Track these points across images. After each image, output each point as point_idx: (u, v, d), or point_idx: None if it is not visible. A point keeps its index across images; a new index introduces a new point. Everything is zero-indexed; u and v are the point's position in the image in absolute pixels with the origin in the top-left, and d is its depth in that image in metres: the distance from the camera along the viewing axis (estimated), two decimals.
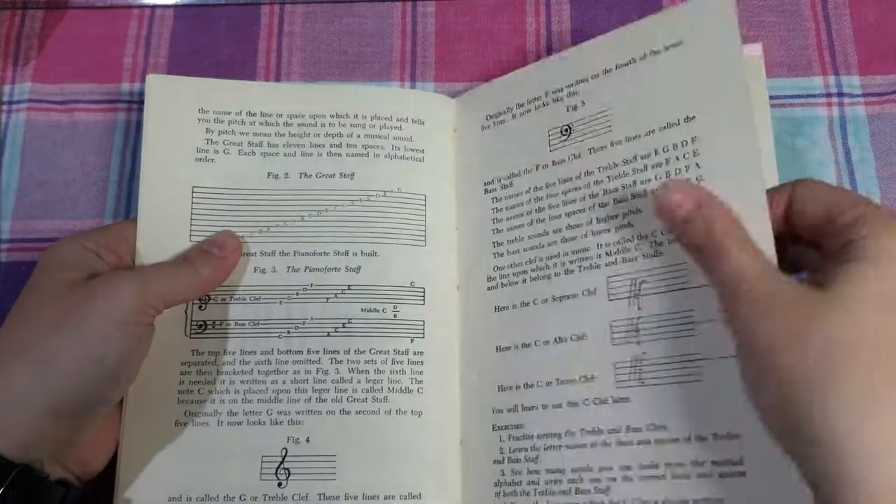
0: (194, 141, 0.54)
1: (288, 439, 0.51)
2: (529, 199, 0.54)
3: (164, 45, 0.62)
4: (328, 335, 0.52)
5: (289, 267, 0.53)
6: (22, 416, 0.43)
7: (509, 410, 0.51)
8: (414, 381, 0.52)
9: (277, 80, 0.61)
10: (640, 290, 0.49)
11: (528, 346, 0.51)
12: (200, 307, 0.52)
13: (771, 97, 0.58)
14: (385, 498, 0.50)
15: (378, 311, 0.53)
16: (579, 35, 0.61)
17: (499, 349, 0.52)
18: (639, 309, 0.48)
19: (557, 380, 0.50)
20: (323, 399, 0.51)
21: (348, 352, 0.52)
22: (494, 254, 0.54)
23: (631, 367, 0.48)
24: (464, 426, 0.52)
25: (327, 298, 0.53)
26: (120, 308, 0.45)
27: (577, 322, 0.50)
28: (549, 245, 0.52)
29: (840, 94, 0.59)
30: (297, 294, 0.53)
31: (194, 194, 0.53)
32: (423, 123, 0.56)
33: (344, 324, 0.52)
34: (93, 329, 0.44)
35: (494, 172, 0.55)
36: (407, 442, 0.51)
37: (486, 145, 0.56)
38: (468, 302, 0.54)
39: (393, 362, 0.52)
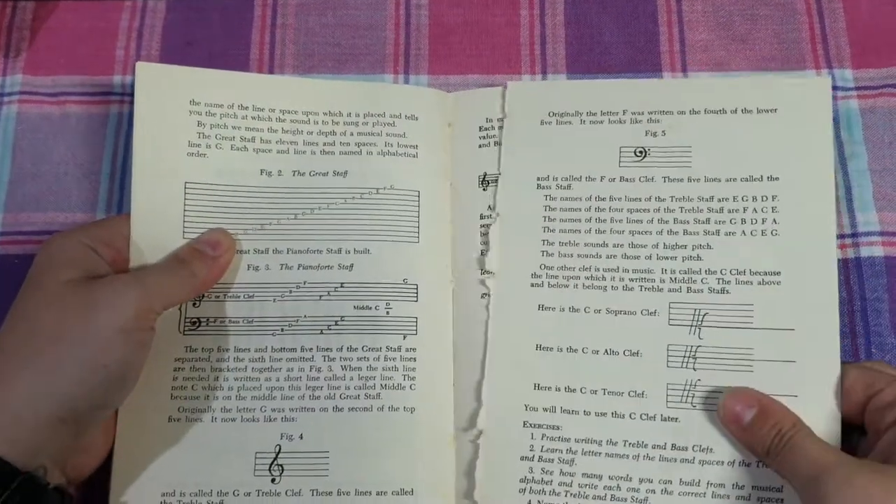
0: (186, 134, 0.54)
1: (281, 436, 0.51)
2: (590, 207, 0.54)
3: (157, 37, 0.62)
4: (321, 332, 0.52)
5: (282, 264, 0.53)
6: (28, 424, 0.43)
7: (546, 410, 0.51)
8: (406, 377, 0.52)
9: (270, 72, 0.61)
10: (702, 321, 0.51)
11: (575, 351, 0.52)
12: (194, 304, 0.52)
13: None
14: (377, 494, 0.51)
15: (371, 308, 0.53)
16: (573, 28, 0.61)
17: (539, 347, 0.52)
18: (700, 339, 0.50)
19: (604, 390, 0.51)
20: (316, 396, 0.51)
21: (341, 349, 0.52)
22: (543, 252, 0.54)
23: (684, 390, 0.50)
24: (484, 417, 0.52)
25: (320, 296, 0.53)
26: (124, 316, 0.45)
27: (632, 339, 0.51)
28: (608, 257, 0.53)
29: (833, 88, 0.59)
30: (291, 292, 0.53)
31: (187, 190, 0.53)
32: (417, 119, 0.56)
33: (337, 321, 0.52)
34: (97, 337, 0.44)
35: (551, 170, 0.55)
36: (399, 438, 0.51)
37: (544, 141, 0.56)
38: (505, 291, 0.53)
39: (385, 359, 0.52)
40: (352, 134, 0.56)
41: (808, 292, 0.50)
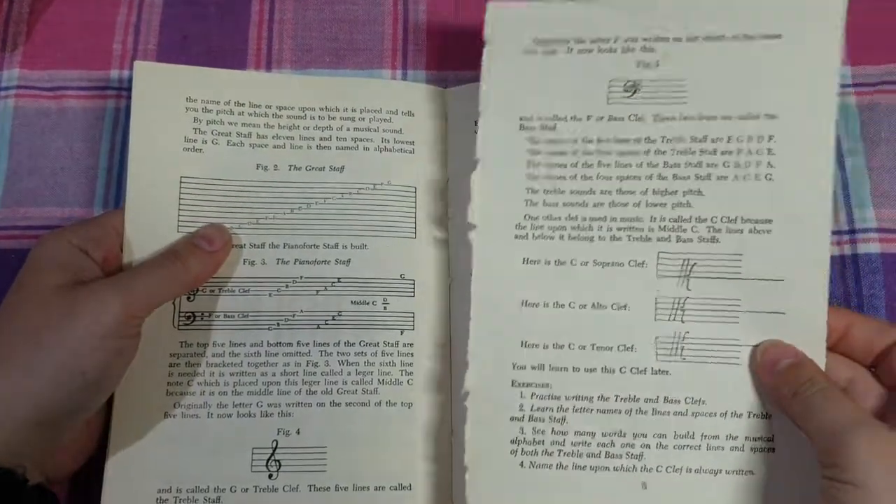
0: (182, 130, 0.54)
1: (278, 431, 0.51)
2: (576, 151, 0.50)
3: (154, 31, 0.61)
4: (318, 327, 0.52)
5: (278, 259, 0.53)
6: (3, 423, 0.43)
7: (534, 368, 0.49)
8: (404, 373, 0.52)
9: (268, 67, 0.61)
10: (691, 271, 0.49)
11: (562, 306, 0.49)
12: (189, 298, 0.52)
13: None
14: (375, 489, 0.51)
15: (368, 303, 0.53)
16: None
17: (525, 304, 0.50)
18: (688, 290, 0.49)
19: (593, 345, 0.49)
20: (313, 391, 0.51)
21: (338, 344, 0.52)
22: (527, 201, 0.50)
23: (673, 342, 0.49)
24: (471, 377, 0.49)
25: (317, 291, 0.53)
26: (102, 323, 0.45)
27: (620, 292, 0.49)
28: (594, 205, 0.50)
29: None
30: (287, 286, 0.53)
31: (182, 184, 0.53)
32: (414, 115, 0.56)
33: (334, 316, 0.52)
34: (74, 342, 0.44)
35: (534, 109, 0.50)
36: (397, 433, 0.51)
37: (528, 74, 0.51)
38: (486, 246, 0.50)
39: (383, 354, 0.52)
40: (348, 129, 0.56)
41: (799, 242, 0.48)
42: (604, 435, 0.49)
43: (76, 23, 0.62)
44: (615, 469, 0.48)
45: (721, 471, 0.48)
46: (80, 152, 0.59)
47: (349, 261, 0.53)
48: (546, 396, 0.49)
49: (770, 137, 0.48)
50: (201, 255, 0.50)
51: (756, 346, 0.48)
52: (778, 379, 0.46)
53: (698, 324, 0.49)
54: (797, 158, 0.48)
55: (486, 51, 0.51)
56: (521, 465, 0.49)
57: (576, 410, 0.49)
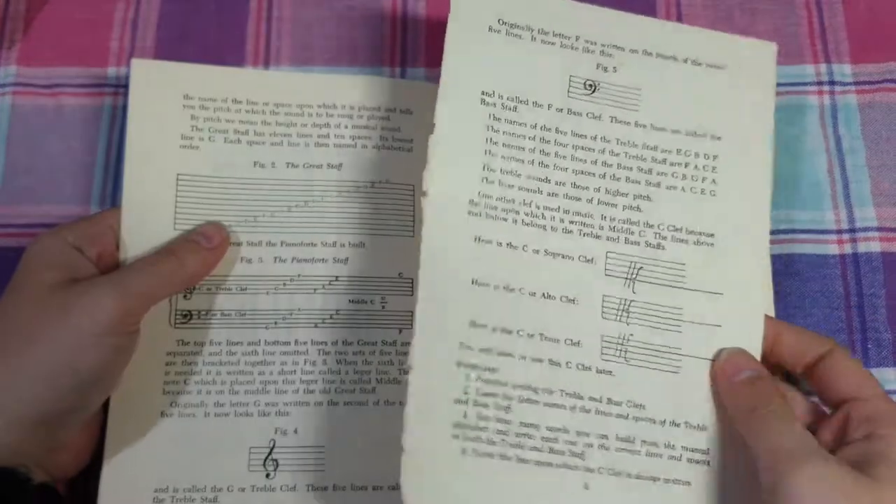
0: (179, 128, 0.54)
1: (276, 430, 0.51)
2: (535, 137, 0.50)
3: (151, 28, 0.61)
4: (315, 326, 0.52)
5: (276, 257, 0.53)
6: (0, 422, 0.43)
7: (482, 351, 0.47)
8: (402, 371, 0.52)
9: (266, 64, 0.60)
10: (637, 275, 0.49)
11: (512, 290, 0.48)
12: (185, 296, 0.52)
13: None
14: (373, 489, 0.50)
15: (366, 302, 0.53)
16: None
17: (475, 282, 0.48)
18: (633, 292, 0.49)
19: (541, 335, 0.48)
20: (311, 390, 0.51)
21: (336, 343, 0.52)
22: (484, 178, 0.49)
23: (618, 343, 0.49)
24: (416, 353, 0.46)
25: (315, 289, 0.52)
26: (97, 320, 0.44)
27: (569, 284, 0.49)
28: (549, 195, 0.50)
29: (831, 83, 0.59)
30: (285, 285, 0.52)
31: (179, 182, 0.53)
32: (412, 113, 0.56)
33: (332, 315, 0.52)
34: (68, 340, 0.44)
35: (496, 86, 0.50)
36: (395, 433, 0.51)
37: (491, 51, 0.51)
38: (439, 216, 0.48)
39: (381, 353, 0.52)
40: (346, 127, 0.55)
41: (739, 258, 0.49)
42: (549, 429, 0.47)
43: (73, 20, 0.61)
44: (558, 466, 0.46)
45: (659, 479, 0.47)
46: (77, 150, 0.59)
47: (347, 259, 0.53)
48: (492, 381, 0.47)
49: (714, 157, 0.51)
50: (199, 252, 0.50)
51: (721, 350, 0.48)
52: (734, 390, 0.47)
53: (642, 328, 0.49)
54: (739, 180, 0.51)
55: (450, 22, 0.51)
56: (463, 451, 0.45)
57: (521, 401, 0.47)
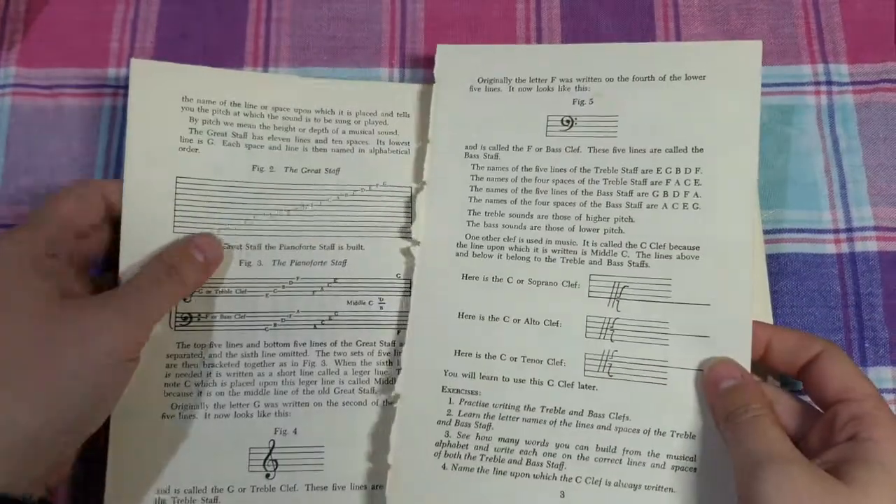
0: (178, 129, 0.54)
1: (275, 431, 0.51)
2: (516, 178, 0.53)
3: (151, 29, 0.61)
4: (314, 327, 0.52)
5: (274, 260, 0.53)
6: (2, 445, 0.41)
7: (465, 375, 0.51)
8: (400, 372, 0.52)
9: (266, 65, 0.61)
10: (621, 293, 0.51)
11: (497, 320, 0.51)
12: (185, 300, 0.52)
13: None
14: (373, 488, 0.51)
15: (364, 303, 0.53)
16: (569, 22, 0.61)
17: (461, 315, 0.52)
18: (617, 311, 0.51)
19: (524, 357, 0.51)
20: (310, 391, 0.51)
21: (335, 344, 0.52)
22: (469, 221, 0.53)
23: (602, 360, 0.50)
24: (403, 382, 0.51)
25: (313, 291, 0.53)
26: (110, 351, 0.44)
27: (553, 310, 0.51)
28: (532, 228, 0.52)
29: (828, 83, 0.59)
30: (283, 287, 0.53)
31: (178, 184, 0.53)
32: (409, 116, 0.57)
33: (330, 316, 0.52)
34: (79, 369, 0.43)
35: (479, 138, 0.55)
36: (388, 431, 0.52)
37: (473, 108, 0.55)
38: (429, 260, 0.53)
39: (379, 353, 0.52)
40: (344, 132, 0.56)
41: (725, 268, 0.50)
42: (527, 443, 0.50)
43: (73, 20, 0.62)
44: (535, 476, 0.49)
45: (640, 486, 0.48)
46: (77, 150, 0.59)
47: (345, 262, 0.53)
48: (474, 403, 0.50)
49: (697, 169, 0.51)
50: (197, 266, 0.50)
51: (708, 360, 0.49)
52: (718, 399, 0.47)
53: (627, 343, 0.50)
54: (722, 189, 0.51)
55: (434, 87, 0.56)
56: (444, 466, 0.50)
57: (501, 418, 0.50)
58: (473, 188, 0.54)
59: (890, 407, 0.45)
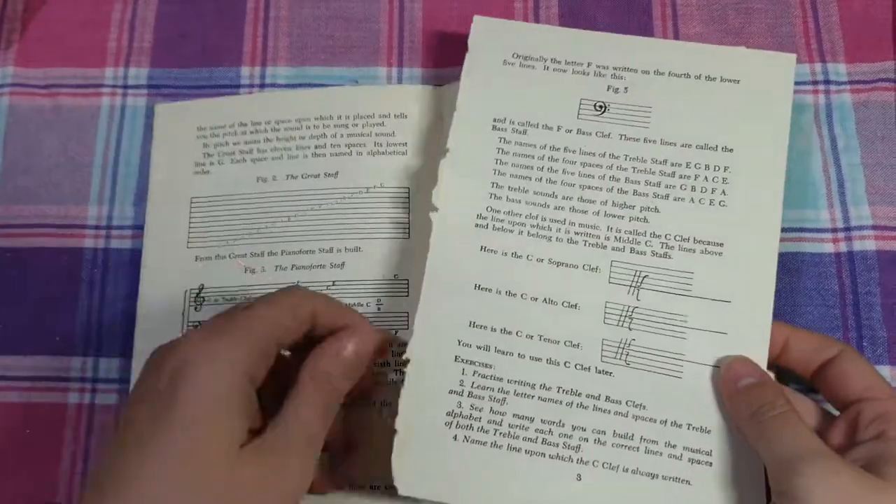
0: (193, 156, 0.57)
1: None
2: (543, 156, 0.53)
3: (149, 29, 0.61)
4: None
5: (277, 266, 0.54)
6: None
7: (479, 347, 0.50)
8: (398, 372, 0.52)
9: (263, 64, 0.61)
10: (642, 283, 0.50)
11: (514, 295, 0.51)
12: (196, 308, 0.53)
13: None
14: (371, 488, 0.51)
15: (363, 304, 0.53)
16: (567, 20, 0.61)
17: (478, 287, 0.51)
18: (637, 300, 0.50)
19: (541, 336, 0.50)
20: None
21: None
22: (491, 194, 0.52)
23: (619, 347, 0.50)
24: (414, 347, 0.49)
25: None
26: (286, 496, 0.38)
27: (572, 292, 0.50)
28: (555, 208, 0.52)
29: (826, 82, 0.59)
30: None
31: (192, 205, 0.56)
32: (406, 117, 0.57)
33: None
34: None
35: (508, 112, 0.54)
36: (392, 435, 0.51)
37: (505, 82, 0.55)
38: (446, 229, 0.52)
39: None
40: (342, 136, 0.57)
41: (748, 267, 0.50)
42: (543, 422, 0.49)
43: (71, 20, 0.62)
44: (550, 457, 0.48)
45: (658, 475, 0.48)
46: (74, 150, 0.59)
47: (343, 264, 0.54)
48: (488, 376, 0.49)
49: (726, 168, 0.51)
50: (347, 367, 0.43)
51: (725, 358, 0.49)
52: (738, 397, 0.47)
53: (645, 333, 0.50)
54: (750, 190, 0.51)
55: (467, 56, 0.55)
56: (455, 438, 0.48)
57: (517, 394, 0.49)
58: (499, 161, 0.53)
59: None
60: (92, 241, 0.57)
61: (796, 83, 0.58)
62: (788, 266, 0.55)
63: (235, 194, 0.56)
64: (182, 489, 0.35)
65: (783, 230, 0.55)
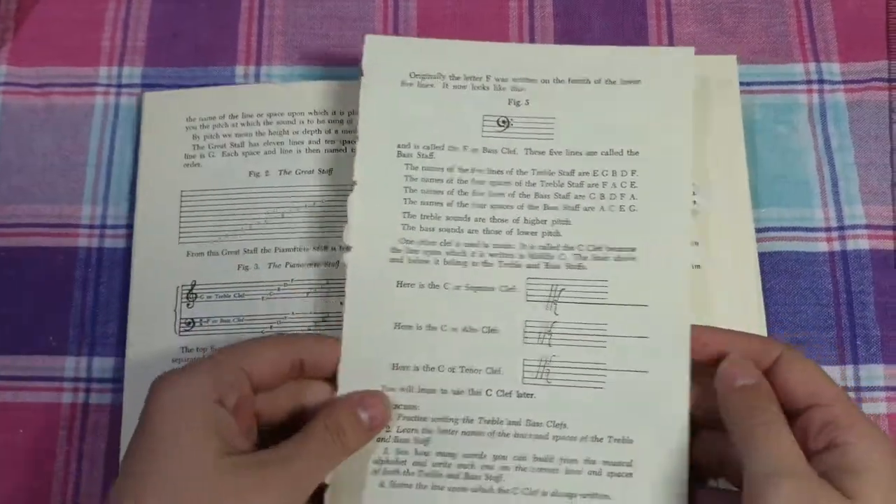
0: (183, 148, 0.56)
1: None
2: (452, 179, 0.52)
3: (143, 28, 0.61)
4: (309, 329, 0.53)
5: (270, 263, 0.53)
6: None
7: (403, 389, 0.49)
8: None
9: (258, 63, 0.60)
10: (559, 296, 0.50)
11: (434, 329, 0.50)
12: (188, 305, 0.53)
13: (752, 83, 0.58)
14: None
15: None
16: (562, 20, 0.61)
17: (398, 326, 0.50)
18: (556, 314, 0.50)
19: (462, 367, 0.49)
20: None
21: None
22: (404, 225, 0.51)
23: (539, 366, 0.49)
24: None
25: (307, 293, 0.53)
26: None
27: (490, 316, 0.50)
28: (469, 232, 0.51)
29: (820, 81, 0.59)
30: (279, 289, 0.53)
31: (182, 198, 0.55)
32: None
33: (324, 318, 0.53)
34: None
35: (411, 137, 0.52)
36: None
37: (405, 104, 0.53)
38: (362, 268, 0.50)
39: None
40: (336, 132, 0.56)
41: (661, 268, 0.50)
42: (465, 456, 0.48)
43: (64, 19, 0.61)
44: (472, 490, 0.48)
45: (576, 494, 0.47)
46: (68, 149, 0.59)
47: (337, 263, 0.53)
48: (412, 418, 0.49)
49: (633, 172, 0.51)
50: (363, 426, 0.47)
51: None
52: (732, 396, 0.45)
53: (565, 347, 0.49)
54: (657, 191, 0.51)
55: (363, 81, 0.53)
56: (381, 484, 0.48)
57: (440, 431, 0.49)
58: (408, 189, 0.52)
59: (860, 406, 0.45)
60: (86, 240, 0.57)
61: (792, 82, 0.59)
62: (782, 265, 0.55)
63: (227, 188, 0.55)
64: (169, 485, 0.40)
65: (776, 229, 0.55)
